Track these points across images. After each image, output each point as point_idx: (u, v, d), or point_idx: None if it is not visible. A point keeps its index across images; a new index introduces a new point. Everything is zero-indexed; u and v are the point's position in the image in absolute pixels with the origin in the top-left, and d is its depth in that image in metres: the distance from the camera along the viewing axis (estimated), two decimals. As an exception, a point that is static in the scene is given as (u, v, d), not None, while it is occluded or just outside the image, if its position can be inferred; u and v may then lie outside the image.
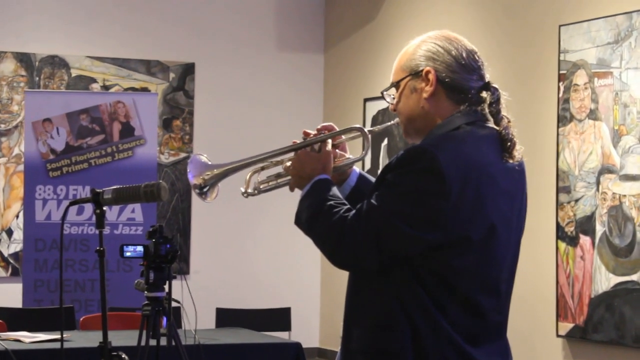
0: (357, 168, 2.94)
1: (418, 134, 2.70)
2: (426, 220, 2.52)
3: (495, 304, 2.64)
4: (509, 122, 2.67)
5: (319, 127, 2.90)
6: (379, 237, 2.54)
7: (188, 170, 2.90)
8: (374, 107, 9.72)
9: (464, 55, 2.66)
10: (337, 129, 2.90)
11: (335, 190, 2.71)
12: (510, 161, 2.64)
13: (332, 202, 2.65)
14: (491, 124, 2.66)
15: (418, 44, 2.71)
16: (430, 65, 2.66)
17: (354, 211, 2.60)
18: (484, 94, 2.67)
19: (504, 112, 2.68)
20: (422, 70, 2.66)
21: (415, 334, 2.54)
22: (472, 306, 2.58)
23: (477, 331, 2.60)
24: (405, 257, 2.55)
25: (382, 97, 2.81)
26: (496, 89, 2.69)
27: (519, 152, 2.66)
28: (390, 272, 2.58)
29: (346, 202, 2.67)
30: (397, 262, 2.56)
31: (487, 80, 2.69)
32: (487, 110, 2.65)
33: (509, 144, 2.64)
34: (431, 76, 2.65)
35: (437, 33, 2.72)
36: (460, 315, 2.56)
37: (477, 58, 2.69)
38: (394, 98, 2.76)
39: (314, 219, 2.65)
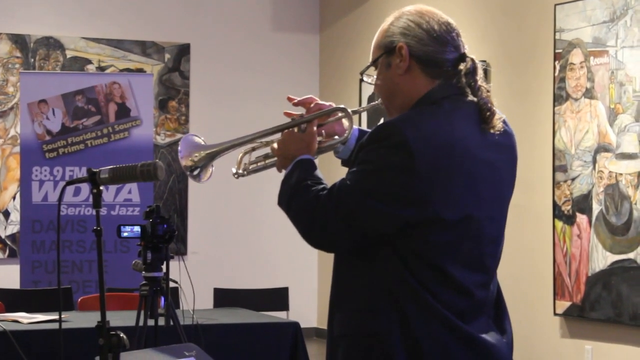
0: (356, 127, 2.92)
1: (398, 111, 2.67)
2: (396, 196, 2.50)
3: (482, 280, 2.61)
4: (487, 92, 2.64)
5: (296, 101, 2.91)
6: (349, 215, 2.52)
7: (179, 150, 2.89)
8: (370, 87, 9.65)
9: (436, 27, 2.63)
10: (319, 100, 2.89)
11: (316, 171, 2.69)
12: (491, 131, 2.61)
13: (308, 182, 2.63)
14: (469, 96, 2.63)
15: (391, 21, 2.70)
16: (403, 41, 2.64)
17: (327, 190, 2.59)
18: (461, 66, 2.64)
19: (480, 82, 2.64)
20: (395, 47, 2.65)
21: (402, 315, 2.51)
22: (457, 283, 2.55)
23: (465, 308, 2.56)
24: (380, 235, 2.52)
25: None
26: (472, 60, 2.66)
27: (499, 120, 2.62)
28: (372, 254, 2.55)
29: (324, 182, 2.65)
30: (372, 241, 2.54)
31: (462, 51, 2.66)
32: (463, 82, 2.63)
33: (488, 113, 2.61)
34: (404, 51, 2.63)
35: (410, 8, 2.70)
36: (446, 293, 2.53)
37: (450, 29, 2.65)
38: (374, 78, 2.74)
39: (290, 199, 2.64)
